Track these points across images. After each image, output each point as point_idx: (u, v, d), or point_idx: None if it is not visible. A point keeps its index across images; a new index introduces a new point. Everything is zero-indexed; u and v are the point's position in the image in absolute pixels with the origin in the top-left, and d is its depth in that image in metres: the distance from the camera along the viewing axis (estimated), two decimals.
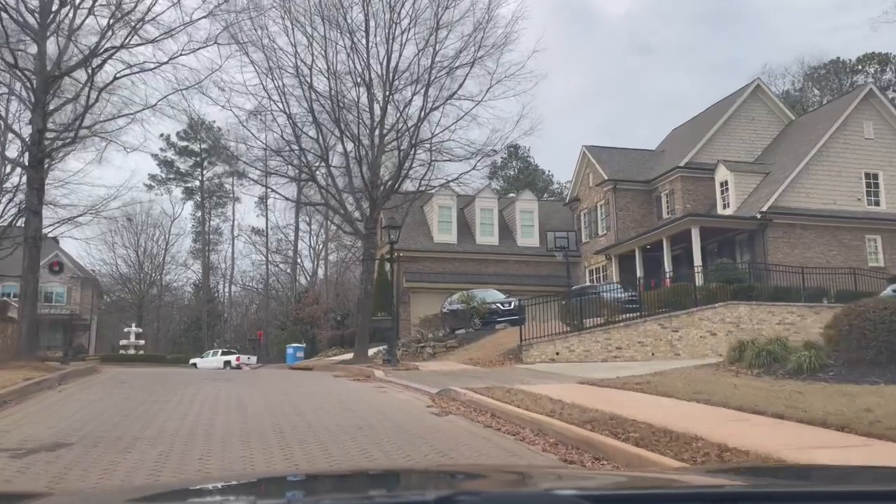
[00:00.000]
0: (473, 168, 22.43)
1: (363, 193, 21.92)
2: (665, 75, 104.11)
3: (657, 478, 2.16)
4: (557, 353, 17.47)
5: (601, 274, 32.78)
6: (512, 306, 23.68)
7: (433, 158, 22.13)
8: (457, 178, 22.71)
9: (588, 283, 29.92)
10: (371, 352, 26.41)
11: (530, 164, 72.96)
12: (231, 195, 69.47)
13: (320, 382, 14.65)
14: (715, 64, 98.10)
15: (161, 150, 67.57)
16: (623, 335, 18.29)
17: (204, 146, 68.32)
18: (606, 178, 32.26)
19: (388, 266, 33.17)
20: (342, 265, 67.40)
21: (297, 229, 67.04)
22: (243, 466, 5.61)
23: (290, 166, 21.73)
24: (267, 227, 67.93)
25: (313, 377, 16.73)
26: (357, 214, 23.70)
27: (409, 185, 24.89)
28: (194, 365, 49.15)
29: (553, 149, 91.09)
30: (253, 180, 25.10)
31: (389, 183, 21.66)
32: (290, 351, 50.17)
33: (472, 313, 23.12)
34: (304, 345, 52.53)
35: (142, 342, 41.15)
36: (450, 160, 22.74)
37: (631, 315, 19.07)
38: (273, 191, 21.39)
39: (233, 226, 69.48)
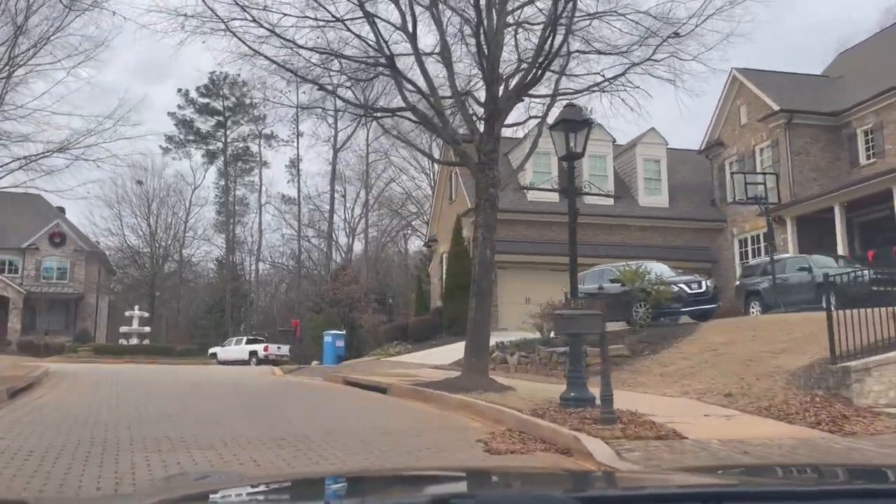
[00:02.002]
0: (646, 61, 13.32)
1: (460, 104, 12.96)
2: None
3: (648, 478, 2.20)
4: None
5: (759, 244, 23.70)
6: (703, 289, 14.82)
7: (570, 49, 13.07)
8: (612, 80, 13.63)
9: (765, 257, 20.83)
10: (458, 352, 17.79)
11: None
12: (258, 159, 61.17)
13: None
14: None
15: (179, 107, 59.47)
16: None
17: (228, 103, 60.09)
18: (777, 108, 22.97)
19: (464, 230, 24.38)
20: (385, 236, 58.73)
21: (332, 198, 58.56)
22: None
23: (341, 61, 12.78)
24: (299, 194, 59.44)
25: (432, 437, 8.01)
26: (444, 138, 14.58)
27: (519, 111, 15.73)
28: (214, 356, 41.02)
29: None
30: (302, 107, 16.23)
31: (519, 76, 12.66)
32: (328, 339, 41.61)
33: (641, 299, 14.16)
34: (343, 332, 44.24)
35: (147, 329, 33.06)
36: (597, 52, 13.70)
37: None
38: (335, 95, 12.11)
39: (260, 193, 61.14)
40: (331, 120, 59.95)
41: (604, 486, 1.88)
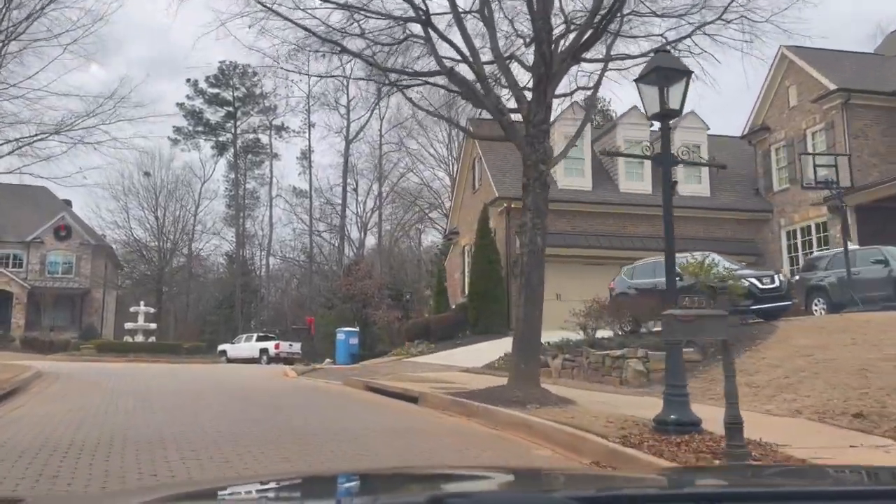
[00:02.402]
0: (718, 19, 11.53)
1: (504, 69, 11.18)
2: None
3: (645, 478, 2.18)
4: None
5: (810, 236, 21.87)
6: (776, 284, 13.05)
7: (625, 10, 11.28)
8: (676, 44, 11.85)
9: (829, 249, 19.02)
10: (487, 353, 16.23)
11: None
12: (269, 151, 59.58)
13: None
14: None
15: (187, 97, 57.98)
16: None
17: (238, 93, 58.54)
18: (833, 88, 21.09)
19: (491, 221, 22.66)
20: (399, 230, 57.08)
21: (344, 190, 56.92)
22: None
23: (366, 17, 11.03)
24: (311, 186, 57.85)
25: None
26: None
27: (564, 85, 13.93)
28: (223, 353, 39.52)
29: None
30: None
31: (573, 35, 10.88)
32: (341, 337, 40.07)
33: (707, 294, 12.35)
34: (357, 328, 42.61)
35: (153, 326, 31.47)
36: (655, 14, 11.94)
37: None
38: (359, 58, 10.25)
39: (271, 185, 59.58)
40: (343, 110, 58.56)
41: (602, 486, 1.84)
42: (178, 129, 58.03)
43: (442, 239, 27.24)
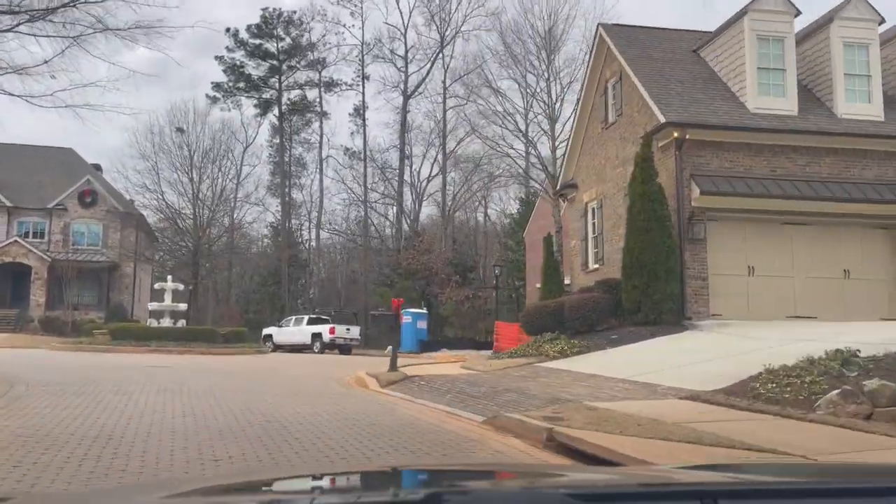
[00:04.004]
0: None
1: None
2: None
3: (645, 475, 2.16)
4: None
5: None
6: None
7: None
8: None
9: None
10: (687, 360, 9.46)
11: None
12: (318, 109, 53.11)
13: None
14: None
15: (227, 49, 51.84)
16: None
17: (282, 45, 52.18)
18: None
19: (654, 159, 15.64)
20: (466, 195, 50.08)
21: (402, 153, 50.21)
22: None
23: None
24: (365, 146, 51.21)
25: None
26: None
27: None
28: (268, 339, 33.45)
29: None
30: None
31: None
32: (407, 319, 33.72)
33: None
34: (424, 310, 36.15)
35: (182, 306, 25.29)
36: None
37: None
38: None
39: (321, 145, 53.15)
40: (400, 62, 51.71)
41: (601, 482, 1.80)
42: (217, 86, 52.13)
43: (555, 196, 20.15)
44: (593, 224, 19.51)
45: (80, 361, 16.50)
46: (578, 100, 20.51)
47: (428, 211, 56.46)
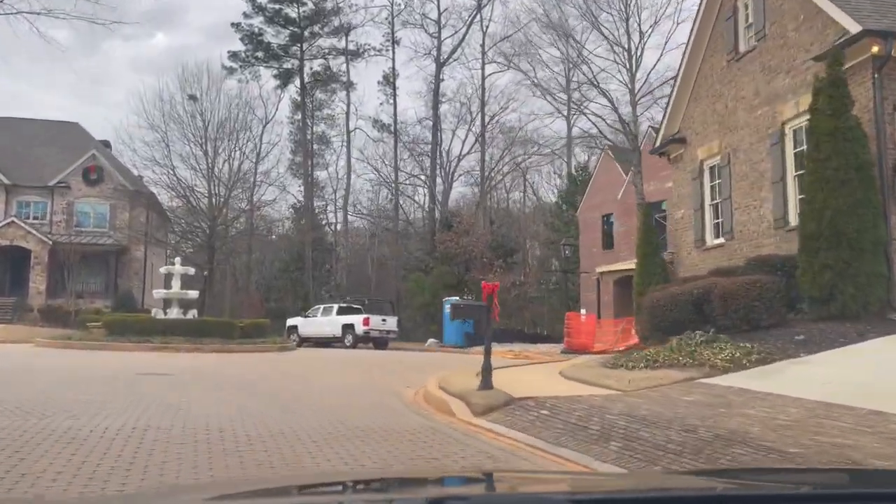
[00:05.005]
0: None
1: None
2: None
3: (647, 480, 2.20)
4: None
5: None
6: None
7: None
8: None
9: None
10: None
11: None
12: (344, 79, 48.90)
13: None
14: None
15: (245, 15, 47.68)
16: None
17: (304, 10, 47.89)
18: None
19: (855, 81, 11.12)
20: (505, 169, 45.78)
21: (435, 126, 45.91)
22: None
23: None
24: (395, 119, 46.98)
25: None
26: None
27: None
28: (293, 331, 29.49)
29: None
30: None
31: None
32: (449, 309, 29.61)
33: None
34: (472, 297, 31.91)
35: (192, 294, 21.19)
36: None
37: None
38: None
39: (347, 116, 48.93)
40: (432, 27, 47.33)
41: (601, 488, 1.82)
42: (233, 55, 47.98)
43: (657, 154, 15.69)
44: (713, 187, 15.15)
45: (52, 365, 12.52)
46: (688, 38, 16.01)
47: (460, 191, 52.25)
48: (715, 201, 15.04)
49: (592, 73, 22.23)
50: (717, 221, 14.98)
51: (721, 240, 14.54)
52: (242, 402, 8.49)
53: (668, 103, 16.97)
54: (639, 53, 20.98)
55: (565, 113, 46.16)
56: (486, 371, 8.93)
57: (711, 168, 15.18)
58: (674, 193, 16.93)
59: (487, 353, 8.99)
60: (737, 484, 1.77)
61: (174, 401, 8.28)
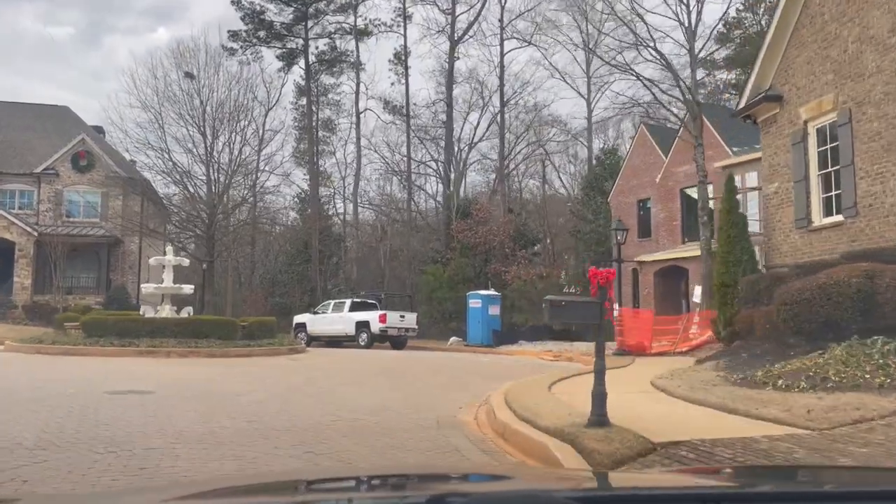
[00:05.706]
0: None
1: None
2: None
3: (645, 478, 2.13)
4: None
5: None
6: None
7: None
8: None
9: None
10: None
11: None
12: (350, 59, 45.95)
13: None
14: None
15: None
16: None
17: None
18: None
19: None
20: (524, 153, 42.90)
21: (449, 108, 42.96)
22: None
23: None
24: (408, 100, 44.06)
25: None
26: None
27: None
28: (301, 328, 26.71)
29: None
30: None
31: None
32: (476, 304, 26.50)
33: None
34: (495, 292, 29.06)
35: (188, 288, 18.25)
36: None
37: None
38: None
39: (357, 97, 45.99)
40: (445, 3, 44.34)
41: (601, 485, 1.79)
42: (233, 35, 44.95)
43: (740, 117, 12.62)
44: (823, 154, 12.26)
45: None
46: None
47: (471, 180, 49.41)
48: (825, 170, 12.15)
49: (636, 32, 19.11)
50: (828, 195, 12.10)
51: (839, 217, 11.66)
52: (242, 453, 5.64)
53: (757, 56, 14.05)
54: (700, 6, 17.98)
55: (585, 95, 43.48)
56: (599, 398, 6.08)
57: (820, 129, 12.28)
58: (763, 164, 14.03)
59: (600, 375, 6.12)
60: (737, 483, 1.78)
61: (135, 449, 5.45)
